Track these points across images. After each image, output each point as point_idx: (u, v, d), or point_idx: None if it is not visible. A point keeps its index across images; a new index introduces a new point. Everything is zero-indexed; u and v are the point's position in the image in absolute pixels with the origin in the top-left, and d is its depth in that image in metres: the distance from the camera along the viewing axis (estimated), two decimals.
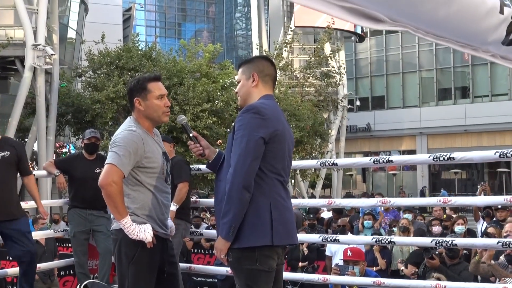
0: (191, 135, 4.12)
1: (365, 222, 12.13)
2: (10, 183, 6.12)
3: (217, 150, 4.14)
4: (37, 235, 8.86)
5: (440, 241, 5.66)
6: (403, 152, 43.74)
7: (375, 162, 5.73)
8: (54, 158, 24.52)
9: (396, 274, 8.92)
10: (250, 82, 3.90)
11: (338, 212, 13.85)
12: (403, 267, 8.96)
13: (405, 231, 9.62)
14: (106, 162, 3.94)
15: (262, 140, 3.62)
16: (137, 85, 4.15)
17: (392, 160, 5.68)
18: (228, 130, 24.04)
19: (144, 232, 3.91)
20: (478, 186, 38.35)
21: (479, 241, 6.55)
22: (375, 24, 2.34)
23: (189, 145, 4.17)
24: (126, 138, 3.99)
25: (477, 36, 2.60)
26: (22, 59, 23.81)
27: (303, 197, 29.77)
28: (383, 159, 5.65)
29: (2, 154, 6.04)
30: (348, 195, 37.84)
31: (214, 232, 7.43)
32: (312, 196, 32.50)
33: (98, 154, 7.12)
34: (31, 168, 6.80)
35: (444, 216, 10.96)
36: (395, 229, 11.07)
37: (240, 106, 3.95)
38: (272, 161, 3.69)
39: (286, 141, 3.80)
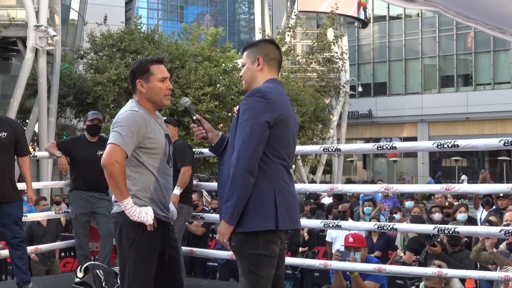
0: (194, 118, 4.08)
1: (365, 208, 12.14)
2: (7, 164, 6.06)
3: (220, 133, 4.11)
4: (37, 216, 8.87)
5: (442, 229, 5.65)
6: (405, 139, 43.65)
7: (379, 149, 5.70)
8: (56, 139, 24.54)
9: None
10: (255, 66, 3.87)
11: (339, 198, 13.87)
12: (402, 254, 8.98)
13: (418, 221, 9.52)
14: (108, 142, 3.91)
15: (267, 124, 3.59)
16: (140, 67, 4.13)
17: (396, 147, 5.65)
18: (230, 114, 24.02)
19: (145, 215, 3.89)
20: (438, 174, 38.22)
21: (481, 229, 6.54)
22: (407, 3, 2.30)
23: (192, 128, 4.13)
24: (129, 118, 3.97)
25: (506, 19, 2.57)
26: (24, 40, 23.75)
27: (304, 183, 29.77)
28: (386, 146, 5.63)
29: (0, 134, 6.00)
30: (349, 181, 37.86)
31: (215, 215, 7.45)
32: (313, 182, 32.46)
33: (100, 136, 7.08)
34: (32, 150, 6.76)
35: (447, 204, 10.95)
36: (396, 215, 11.07)
37: (245, 90, 3.91)
38: (277, 145, 3.66)
39: (291, 126, 3.77)
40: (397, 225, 6.36)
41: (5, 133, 6.01)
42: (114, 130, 3.94)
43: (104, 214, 6.77)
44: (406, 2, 2.31)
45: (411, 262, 7.71)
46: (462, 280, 6.58)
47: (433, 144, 5.42)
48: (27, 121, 24.54)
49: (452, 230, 5.54)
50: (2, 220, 5.99)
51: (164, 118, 4.86)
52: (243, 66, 3.96)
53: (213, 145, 4.07)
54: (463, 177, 37.55)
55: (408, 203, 12.05)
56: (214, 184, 9.04)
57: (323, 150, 6.30)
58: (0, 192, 5.94)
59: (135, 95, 4.15)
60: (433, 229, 5.84)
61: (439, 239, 7.23)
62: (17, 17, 23.94)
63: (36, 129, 24.79)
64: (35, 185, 6.73)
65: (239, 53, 31.65)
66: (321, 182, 35.17)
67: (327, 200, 15.77)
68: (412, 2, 2.31)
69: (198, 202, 10.23)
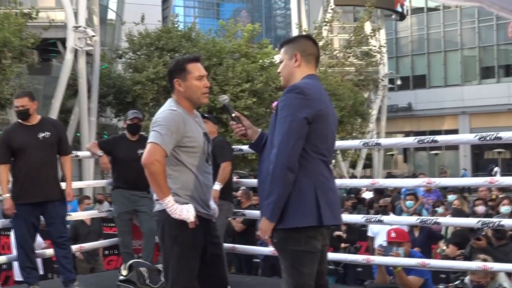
0: (233, 115, 4.08)
1: (407, 202, 12.02)
2: (51, 163, 6.17)
3: (260, 130, 4.10)
4: (81, 215, 8.99)
5: (486, 222, 5.56)
6: (445, 132, 43.08)
7: (420, 142, 5.63)
8: (97, 139, 24.83)
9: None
10: (292, 62, 3.85)
11: (379, 192, 13.76)
12: (444, 247, 8.87)
13: (457, 214, 9.42)
14: (148, 141, 3.94)
15: (306, 120, 3.58)
16: (177, 66, 4.15)
17: (437, 140, 5.58)
18: (268, 110, 24.01)
19: (186, 212, 3.91)
20: (490, 166, 37.49)
21: None
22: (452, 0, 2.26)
23: (231, 125, 4.14)
24: (168, 117, 3.99)
25: None
26: (63, 41, 24.09)
27: (344, 177, 29.62)
28: (427, 139, 5.55)
29: (43, 134, 6.09)
30: (389, 175, 37.57)
31: (256, 212, 7.45)
32: (353, 176, 32.31)
33: (141, 135, 7.13)
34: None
35: (494, 197, 10.76)
36: (438, 209, 10.93)
37: (283, 86, 3.90)
38: (316, 141, 3.64)
39: (330, 121, 3.75)
40: (440, 219, 6.28)
41: (49, 133, 6.11)
42: (153, 130, 3.96)
43: (146, 212, 6.82)
44: None
45: (456, 256, 7.60)
46: (509, 274, 6.46)
47: (475, 137, 5.34)
48: (68, 121, 24.85)
49: (497, 223, 5.45)
50: (48, 219, 6.09)
51: (206, 115, 4.86)
52: (280, 62, 3.94)
53: (252, 142, 4.07)
54: (496, 168, 37.02)
55: (451, 197, 11.90)
56: (254, 181, 9.05)
57: (363, 144, 6.24)
58: (46, 191, 6.03)
59: (173, 94, 4.17)
60: (477, 222, 5.75)
61: (484, 233, 7.11)
62: (57, 19, 24.29)
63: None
64: (78, 184, 6.84)
65: (276, 49, 31.61)
66: (362, 177, 34.95)
67: (368, 195, 15.67)
68: None
69: (241, 199, 10.25)
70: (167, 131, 3.92)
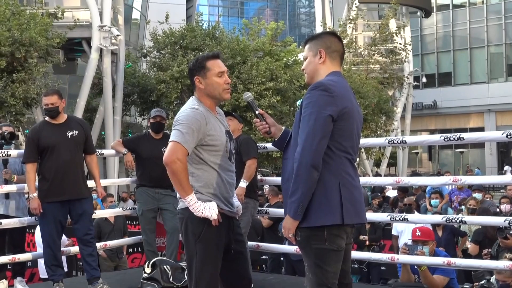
0: (257, 112, 4.07)
1: (432, 201, 11.93)
2: (79, 162, 6.21)
3: (283, 127, 4.08)
4: (106, 213, 9.04)
5: None
6: (471, 130, 42.73)
7: (446, 140, 5.57)
8: (121, 137, 24.97)
9: (467, 254, 8.76)
10: (317, 59, 3.81)
11: (404, 190, 13.67)
12: (469, 245, 8.81)
13: (473, 212, 9.38)
14: (170, 140, 3.95)
15: (331, 118, 3.54)
16: (196, 64, 4.14)
17: (463, 138, 5.51)
18: (292, 108, 23.98)
19: (209, 210, 3.90)
20: None
21: None
22: None
23: (255, 123, 4.12)
24: (189, 116, 3.98)
25: None
26: (88, 41, 24.28)
27: (368, 176, 29.50)
28: (453, 137, 5.49)
29: (71, 133, 6.12)
30: (414, 173, 37.31)
31: (279, 210, 7.43)
32: (377, 175, 32.17)
33: (165, 133, 7.15)
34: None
35: None
36: (463, 207, 10.83)
37: (307, 83, 3.87)
38: (340, 139, 3.61)
39: (355, 119, 3.71)
40: (466, 218, 6.20)
41: (76, 132, 6.14)
42: (175, 128, 3.97)
43: (169, 210, 6.84)
44: None
45: (483, 256, 7.52)
46: None
47: (502, 134, 5.27)
48: (93, 119, 25.04)
49: None
50: (75, 217, 6.12)
51: (231, 113, 4.85)
52: (305, 59, 3.90)
53: (276, 139, 4.05)
54: (507, 167, 36.68)
55: (477, 195, 11.78)
56: (277, 179, 9.04)
57: (388, 142, 6.18)
58: (74, 189, 6.07)
59: (195, 92, 4.17)
60: (504, 221, 5.68)
61: (511, 232, 7.02)
62: (82, 19, 24.50)
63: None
64: (103, 182, 6.85)
65: (300, 47, 31.57)
66: (386, 175, 34.80)
67: (392, 193, 15.59)
68: None
69: (269, 195, 10.27)
70: (188, 130, 3.92)
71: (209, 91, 4.11)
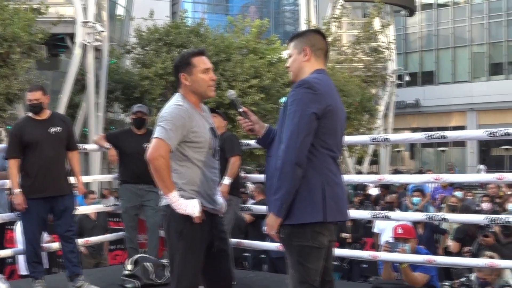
0: (240, 110, 4.07)
1: (414, 199, 11.99)
2: (62, 158, 6.19)
3: (267, 125, 4.08)
4: (87, 209, 8.99)
5: (494, 219, 5.53)
6: (453, 129, 42.95)
7: (428, 138, 5.61)
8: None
9: (447, 251, 8.83)
10: (301, 57, 3.82)
11: (386, 187, 13.73)
12: (450, 242, 8.88)
13: (454, 210, 9.45)
14: (153, 136, 3.94)
15: (315, 115, 3.55)
16: (182, 61, 4.14)
17: (446, 136, 5.56)
18: (276, 106, 23.99)
19: (192, 207, 3.90)
20: None
21: None
22: None
23: (238, 120, 4.12)
24: (173, 112, 3.98)
25: None
26: (72, 36, 24.10)
27: (350, 173, 29.60)
28: (436, 135, 5.53)
29: (54, 129, 6.09)
30: (396, 172, 37.51)
31: (262, 207, 7.43)
32: (359, 173, 32.26)
33: (147, 129, 7.14)
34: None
35: (501, 194, 10.72)
36: (443, 205, 10.89)
37: (292, 81, 3.88)
38: (325, 136, 3.62)
39: (339, 117, 3.73)
40: (447, 216, 6.26)
41: (60, 128, 6.11)
42: (159, 125, 3.96)
43: (151, 207, 6.84)
44: None
45: (464, 253, 7.58)
46: None
47: (484, 133, 5.31)
48: (76, 116, 24.88)
49: (505, 220, 5.43)
50: (57, 214, 6.09)
51: (215, 110, 4.85)
52: (289, 57, 3.91)
53: (260, 137, 4.06)
54: (481, 166, 37.12)
55: (458, 193, 11.87)
56: (260, 176, 9.03)
57: (372, 140, 6.22)
58: (57, 185, 6.04)
59: (180, 89, 4.16)
60: (484, 219, 5.72)
61: (492, 230, 7.08)
62: (66, 14, 24.27)
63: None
64: (85, 178, 6.83)
65: (285, 45, 31.56)
66: (368, 173, 34.90)
67: (374, 191, 15.64)
68: None
69: (254, 192, 10.30)
70: (172, 126, 3.91)
71: (195, 88, 4.11)
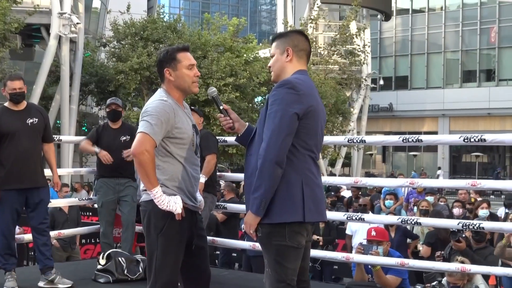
0: (221, 107, 4.07)
1: (386, 202, 12.07)
2: (38, 150, 6.11)
3: (247, 123, 4.10)
4: (60, 202, 8.92)
5: (467, 224, 5.59)
6: (425, 133, 43.35)
7: (404, 141, 5.66)
8: (76, 127, 24.72)
9: (416, 255, 8.90)
10: (284, 57, 3.83)
11: (358, 188, 13.78)
12: (420, 247, 8.96)
13: (425, 214, 9.54)
14: (138, 131, 3.91)
15: (296, 116, 3.57)
16: (167, 56, 4.12)
17: (421, 140, 5.61)
18: (250, 105, 24.02)
19: (173, 204, 3.88)
20: (498, 170, 38.19)
21: (507, 225, 6.47)
22: None
23: (219, 118, 4.13)
24: (158, 107, 3.96)
25: None
26: (47, 27, 23.90)
27: (323, 175, 29.70)
28: (412, 138, 5.59)
29: (31, 120, 6.01)
30: (368, 175, 37.76)
31: (239, 206, 7.44)
32: (332, 174, 32.41)
33: (123, 123, 7.11)
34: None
35: (472, 200, 10.83)
36: (414, 209, 10.98)
37: (273, 81, 3.89)
38: (305, 137, 3.64)
39: (319, 118, 3.74)
40: (421, 219, 6.31)
41: (36, 119, 6.04)
42: (143, 119, 3.93)
43: (128, 202, 6.81)
44: None
45: (436, 258, 7.65)
46: (486, 278, 6.51)
47: (459, 138, 5.37)
48: (49, 107, 24.67)
49: (477, 225, 5.49)
50: (31, 206, 6.02)
51: (192, 107, 4.86)
52: (272, 56, 3.92)
53: (239, 135, 4.06)
54: (439, 172, 37.75)
55: (429, 198, 11.95)
56: (235, 175, 9.03)
57: (348, 141, 6.25)
58: (33, 177, 5.97)
59: (164, 84, 4.15)
60: (457, 224, 5.78)
61: (464, 235, 7.16)
62: (42, 4, 24.06)
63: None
64: (58, 172, 6.76)
65: (260, 44, 31.63)
66: (340, 175, 35.10)
67: (347, 193, 15.70)
68: None
69: (224, 191, 10.29)
70: (157, 121, 3.89)
71: (179, 83, 4.10)
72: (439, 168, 41.28)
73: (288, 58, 3.82)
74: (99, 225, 7.23)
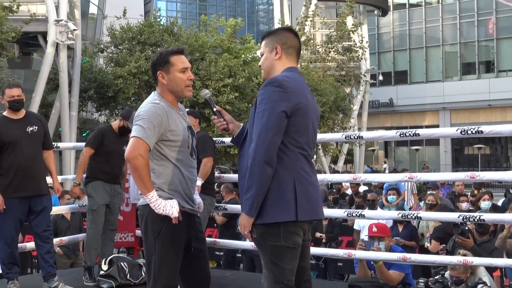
0: (214, 109, 4.06)
1: (389, 197, 12.03)
2: (40, 157, 6.13)
3: (241, 124, 4.07)
4: (62, 209, 8.91)
5: (467, 216, 5.58)
6: (426, 127, 43.32)
7: (401, 136, 5.65)
8: (77, 133, 24.70)
9: (424, 250, 8.84)
10: (273, 55, 3.82)
11: (357, 184, 13.73)
12: (427, 243, 8.90)
13: (432, 208, 9.48)
14: (131, 135, 3.90)
15: (284, 114, 3.54)
16: (160, 59, 4.11)
17: (419, 134, 5.61)
18: (250, 105, 23.96)
19: (170, 207, 3.86)
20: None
21: (508, 216, 6.44)
22: None
23: (213, 120, 4.11)
24: (150, 111, 3.95)
25: None
26: (44, 35, 23.90)
27: (325, 173, 29.69)
28: (409, 132, 5.58)
29: (31, 128, 6.03)
30: (373, 171, 37.70)
31: (239, 206, 7.43)
32: (334, 172, 32.38)
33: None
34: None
35: (476, 192, 10.76)
36: (421, 203, 10.92)
37: (264, 79, 3.87)
38: (295, 135, 3.61)
39: (310, 115, 3.71)
40: (421, 214, 6.30)
41: (36, 127, 6.06)
42: (136, 124, 3.92)
43: (116, 209, 6.83)
44: None
45: (439, 251, 7.61)
46: (491, 270, 6.47)
47: (456, 131, 5.37)
48: (49, 115, 24.68)
49: (478, 217, 5.48)
50: (34, 213, 6.02)
51: (186, 109, 4.82)
52: (261, 55, 3.91)
53: (234, 136, 4.05)
54: (384, 166, 37.98)
55: (430, 192, 11.92)
56: (235, 176, 9.02)
57: (345, 137, 6.24)
58: (35, 185, 5.98)
59: (157, 87, 4.14)
60: (458, 217, 5.77)
61: (467, 228, 7.11)
62: (38, 12, 24.06)
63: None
64: (60, 178, 6.76)
65: (258, 44, 31.57)
66: (343, 172, 35.06)
67: (350, 191, 15.64)
68: None
69: (223, 192, 10.27)
70: (149, 125, 3.88)
71: (172, 87, 4.08)
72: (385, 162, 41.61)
73: (277, 55, 3.81)
74: None
